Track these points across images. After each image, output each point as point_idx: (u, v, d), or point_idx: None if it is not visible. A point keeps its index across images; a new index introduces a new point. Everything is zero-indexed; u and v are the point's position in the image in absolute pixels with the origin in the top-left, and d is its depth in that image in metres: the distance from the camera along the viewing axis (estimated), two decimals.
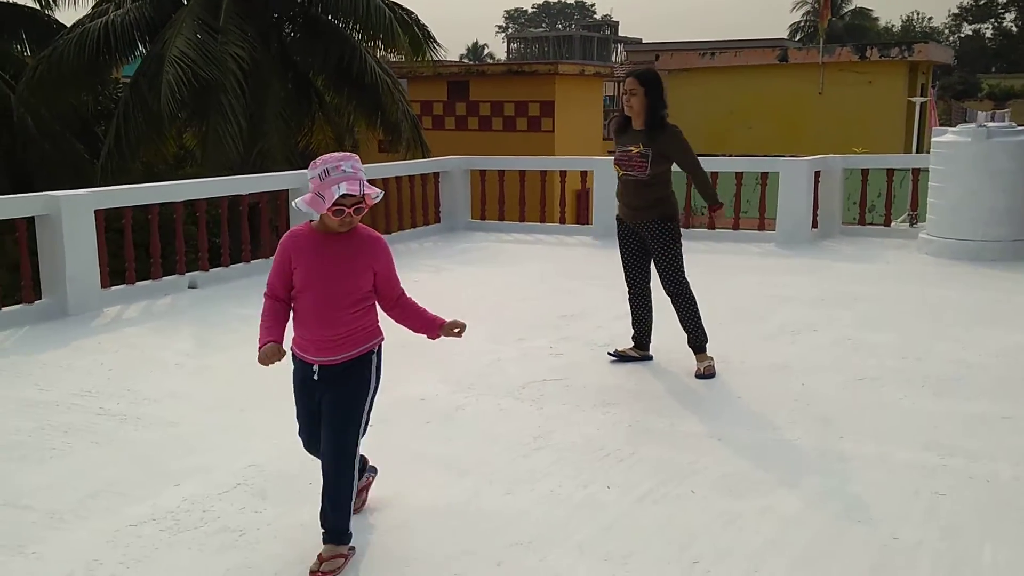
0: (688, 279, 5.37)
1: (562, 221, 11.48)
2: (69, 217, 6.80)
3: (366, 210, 3.02)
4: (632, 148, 5.17)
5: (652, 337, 5.61)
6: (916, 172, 9.90)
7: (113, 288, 7.35)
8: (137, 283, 7.58)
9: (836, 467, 3.94)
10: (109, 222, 7.51)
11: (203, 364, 5.70)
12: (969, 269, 8.15)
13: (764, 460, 4.03)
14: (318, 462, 3.28)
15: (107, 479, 3.92)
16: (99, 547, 3.31)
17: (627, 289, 5.55)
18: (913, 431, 4.32)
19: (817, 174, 9.90)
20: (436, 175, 11.20)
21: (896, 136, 14.69)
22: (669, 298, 5.36)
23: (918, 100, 14.35)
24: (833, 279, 7.92)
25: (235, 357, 5.84)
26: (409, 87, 20.18)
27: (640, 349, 5.59)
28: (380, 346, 3.25)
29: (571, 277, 8.32)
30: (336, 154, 2.98)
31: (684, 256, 5.37)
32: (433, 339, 3.38)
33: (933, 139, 8.99)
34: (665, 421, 4.55)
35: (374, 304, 3.20)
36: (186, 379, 5.39)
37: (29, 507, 3.66)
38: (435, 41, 16.08)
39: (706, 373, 5.20)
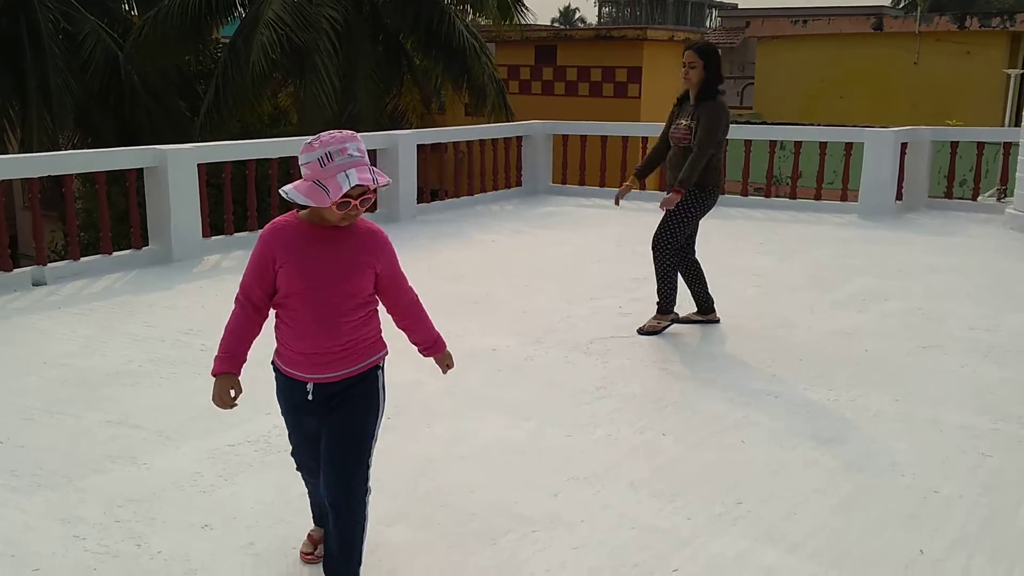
0: (673, 252, 5.39)
1: (642, 188, 11.55)
2: (175, 170, 7.30)
3: (372, 201, 2.49)
4: (683, 122, 5.24)
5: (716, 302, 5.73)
6: (1007, 146, 9.66)
7: (213, 238, 7.86)
8: (235, 234, 8.07)
9: (887, 426, 4.07)
10: (209, 178, 7.99)
11: None
12: None
13: (817, 418, 4.19)
14: (398, 389, 3.58)
15: (207, 406, 4.26)
16: (201, 462, 3.71)
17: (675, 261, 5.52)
18: (969, 397, 4.41)
19: (904, 146, 9.75)
20: (519, 139, 11.42)
21: (993, 109, 14.19)
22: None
23: (1014, 72, 13.78)
24: (912, 251, 7.88)
25: None
26: (496, 51, 20.35)
27: (704, 313, 5.68)
28: (384, 360, 2.76)
29: (646, 242, 8.46)
30: (337, 133, 2.41)
31: (695, 226, 5.46)
32: (426, 356, 2.90)
33: None
34: (724, 378, 4.73)
35: (376, 311, 2.69)
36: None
37: (139, 426, 4.10)
38: (523, 5, 16.23)
39: (648, 329, 5.41)
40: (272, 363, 2.69)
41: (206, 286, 6.73)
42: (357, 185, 2.36)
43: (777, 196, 10.64)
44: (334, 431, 2.63)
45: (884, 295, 6.37)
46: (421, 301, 2.83)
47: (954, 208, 9.82)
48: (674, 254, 5.40)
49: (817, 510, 3.31)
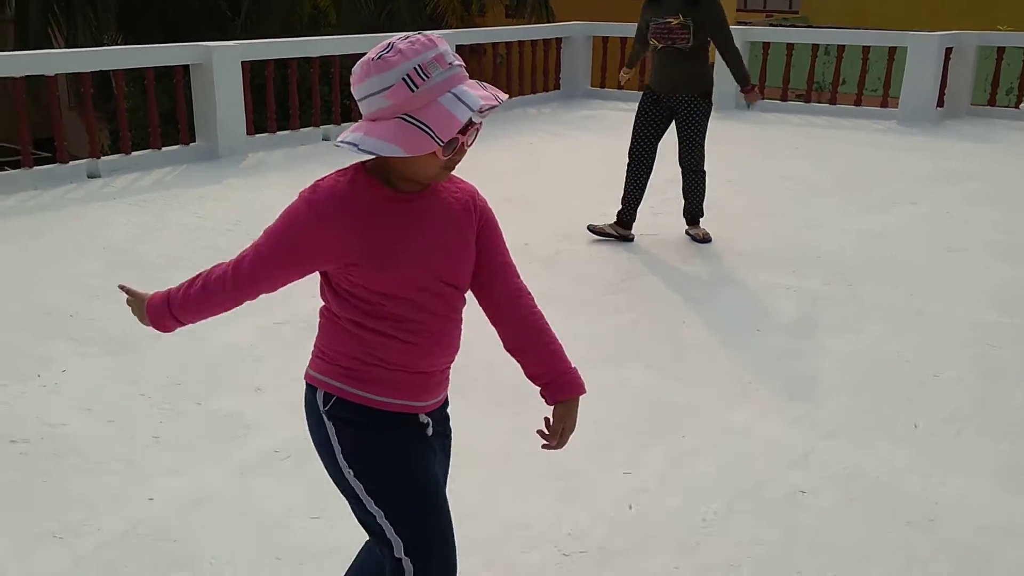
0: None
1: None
2: (220, 66, 7.48)
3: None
4: (671, 20, 5.06)
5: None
6: None
7: (257, 135, 8.09)
8: (278, 132, 8.29)
9: (900, 319, 4.26)
10: (252, 76, 8.16)
11: None
12: None
13: (832, 310, 4.39)
14: None
15: None
16: (250, 337, 4.03)
17: (631, 163, 5.39)
18: (985, 294, 4.55)
19: (948, 51, 9.58)
20: (558, 41, 11.37)
21: None
22: (683, 168, 5.38)
23: None
24: (948, 157, 7.87)
25: None
26: None
27: (623, 227, 5.47)
28: None
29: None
30: (418, 36, 1.52)
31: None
32: (546, 397, 1.93)
33: None
34: (747, 273, 4.92)
35: None
36: None
37: None
38: None
39: (704, 238, 5.41)
40: (336, 397, 1.72)
41: (252, 181, 6.99)
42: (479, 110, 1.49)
43: (818, 102, 10.56)
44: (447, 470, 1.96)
45: (914, 199, 6.45)
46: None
47: (996, 116, 9.69)
48: (703, 162, 5.37)
49: (821, 390, 3.55)
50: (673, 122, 5.33)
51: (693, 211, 5.53)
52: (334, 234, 1.59)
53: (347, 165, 1.64)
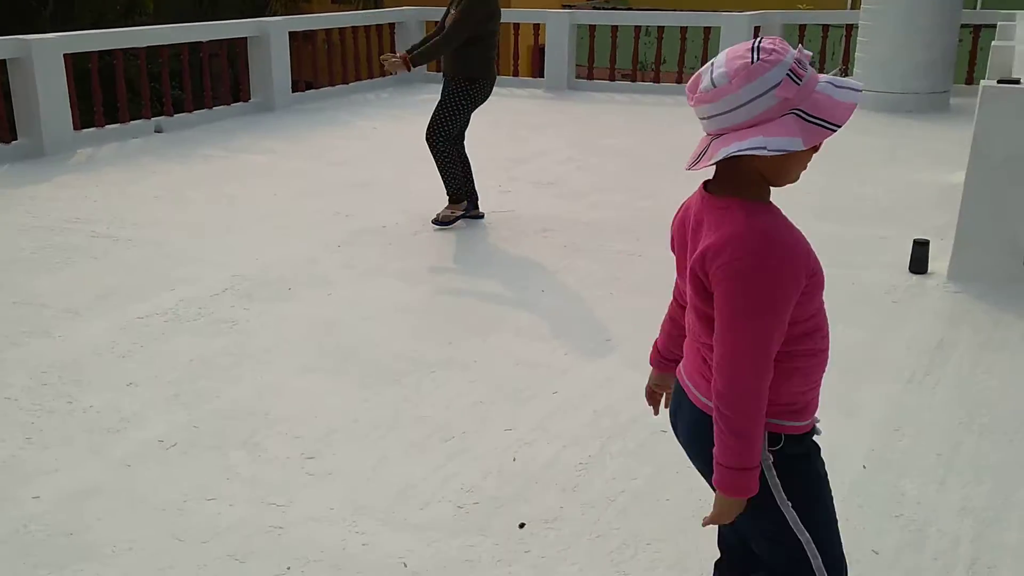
0: (449, 143, 5.43)
1: (515, 74, 11.86)
2: (40, 60, 7.09)
3: None
4: (452, 11, 5.31)
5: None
6: (849, 28, 10.41)
7: (85, 131, 7.72)
8: (106, 126, 7.94)
9: None
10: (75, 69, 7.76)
11: (180, 196, 6.23)
12: (887, 119, 8.82)
13: (673, 269, 4.76)
14: (296, 265, 3.87)
15: (110, 285, 4.53)
16: (114, 333, 3.95)
17: (456, 146, 5.56)
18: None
19: (757, 29, 10.36)
20: (392, 26, 11.42)
21: None
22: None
23: None
24: None
25: (210, 190, 6.39)
26: None
27: (473, 209, 5.66)
28: None
29: (521, 127, 8.85)
30: (773, 37, 1.53)
31: (466, 118, 5.47)
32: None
33: None
34: (595, 243, 5.24)
35: None
36: (166, 208, 5.93)
37: (46, 305, 4.27)
38: None
39: (442, 219, 5.47)
40: (785, 436, 1.65)
41: (85, 178, 6.70)
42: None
43: (644, 81, 11.15)
44: None
45: None
46: None
47: None
48: (448, 144, 5.42)
49: None
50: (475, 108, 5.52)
51: (447, 190, 5.54)
52: (805, 267, 1.54)
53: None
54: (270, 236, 5.35)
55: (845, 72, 8.42)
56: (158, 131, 8.33)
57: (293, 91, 9.83)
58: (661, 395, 2.05)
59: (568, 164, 7.23)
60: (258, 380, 3.54)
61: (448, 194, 5.55)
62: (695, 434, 1.72)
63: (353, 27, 10.99)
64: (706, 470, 1.68)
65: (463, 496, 2.79)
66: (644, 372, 3.58)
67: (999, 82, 4.49)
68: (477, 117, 5.71)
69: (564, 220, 5.69)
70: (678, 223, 1.73)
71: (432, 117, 5.46)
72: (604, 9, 16.01)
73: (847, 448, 3.04)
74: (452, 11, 5.33)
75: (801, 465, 1.68)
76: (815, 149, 1.53)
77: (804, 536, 1.69)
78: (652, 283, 4.58)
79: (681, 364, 1.81)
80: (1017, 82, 4.46)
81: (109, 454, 3.01)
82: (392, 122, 9.09)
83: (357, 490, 2.82)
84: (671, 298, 1.96)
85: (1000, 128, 4.39)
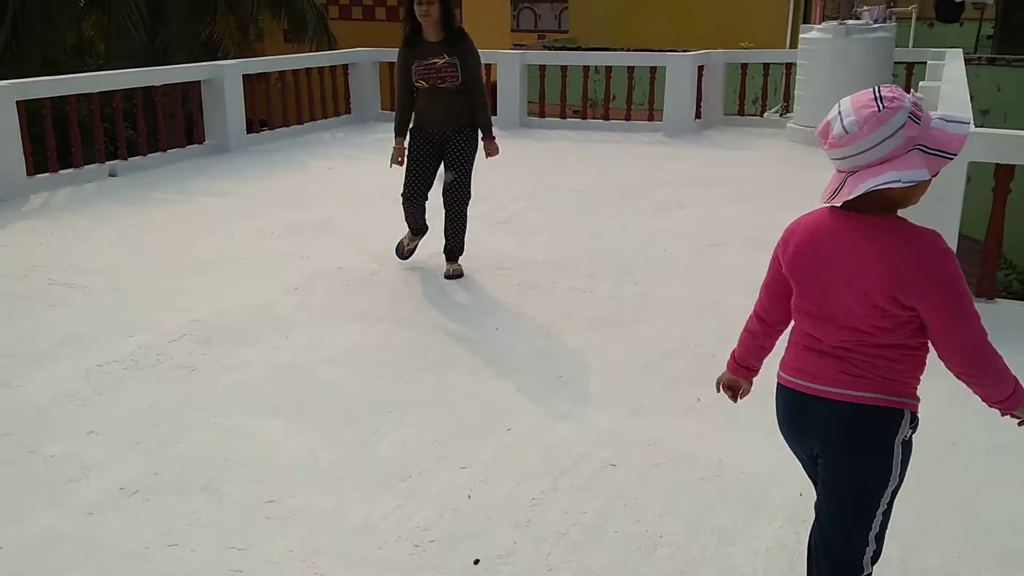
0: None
1: (494, 114, 12.06)
2: None
3: None
4: (436, 60, 5.15)
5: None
6: (788, 66, 10.81)
7: (38, 176, 7.73)
8: (60, 171, 7.95)
9: (680, 310, 4.88)
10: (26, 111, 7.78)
11: (136, 241, 6.27)
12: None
13: (623, 306, 4.94)
14: (253, 309, 3.97)
15: (68, 333, 4.57)
16: (74, 381, 4.00)
17: (409, 197, 5.43)
18: (744, 282, 5.24)
19: (701, 68, 10.71)
20: (345, 67, 11.58)
21: (780, 32, 15.62)
22: (448, 204, 5.37)
23: None
24: (707, 164, 8.84)
25: (166, 234, 6.45)
26: None
27: (420, 235, 5.61)
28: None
29: (479, 165, 9.01)
30: (890, 85, 1.91)
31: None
32: None
33: (801, 36, 9.87)
34: (548, 280, 5.40)
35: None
36: (123, 254, 5.98)
37: (7, 355, 4.29)
38: None
39: (455, 274, 5.41)
40: (911, 411, 2.02)
41: (39, 223, 6.72)
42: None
43: (594, 118, 11.43)
44: None
45: (682, 203, 7.25)
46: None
47: (745, 124, 10.92)
48: (469, 199, 5.43)
49: (622, 376, 4.05)
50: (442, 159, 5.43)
51: (457, 248, 5.48)
52: None
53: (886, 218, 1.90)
54: (227, 280, 5.42)
55: (787, 108, 8.82)
56: (112, 175, 8.36)
57: (248, 131, 9.91)
58: (736, 390, 2.47)
59: (521, 202, 7.41)
60: (218, 425, 3.61)
61: (452, 252, 5.47)
62: (849, 424, 1.97)
63: (307, 68, 11.12)
64: (860, 466, 2.00)
65: (420, 534, 2.89)
66: (594, 406, 3.74)
67: None
68: None
69: (518, 258, 5.85)
70: (806, 246, 2.00)
71: (460, 175, 5.32)
72: (554, 49, 16.37)
73: (783, 475, 3.21)
74: (441, 61, 5.15)
75: (909, 449, 2.03)
76: (935, 175, 1.83)
77: (878, 524, 2.03)
78: (601, 319, 4.75)
79: (800, 377, 2.06)
80: None
81: (71, 503, 3.06)
82: (348, 162, 9.22)
83: (316, 532, 2.92)
84: (752, 315, 2.31)
85: None
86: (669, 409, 3.74)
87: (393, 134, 5.44)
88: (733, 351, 2.40)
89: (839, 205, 1.91)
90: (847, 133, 1.83)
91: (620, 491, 3.14)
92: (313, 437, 3.52)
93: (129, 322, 4.72)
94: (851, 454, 2.00)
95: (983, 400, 1.97)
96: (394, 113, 5.49)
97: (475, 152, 5.42)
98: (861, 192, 1.81)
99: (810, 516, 2.95)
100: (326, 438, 3.50)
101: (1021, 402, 1.95)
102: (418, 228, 5.59)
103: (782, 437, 2.20)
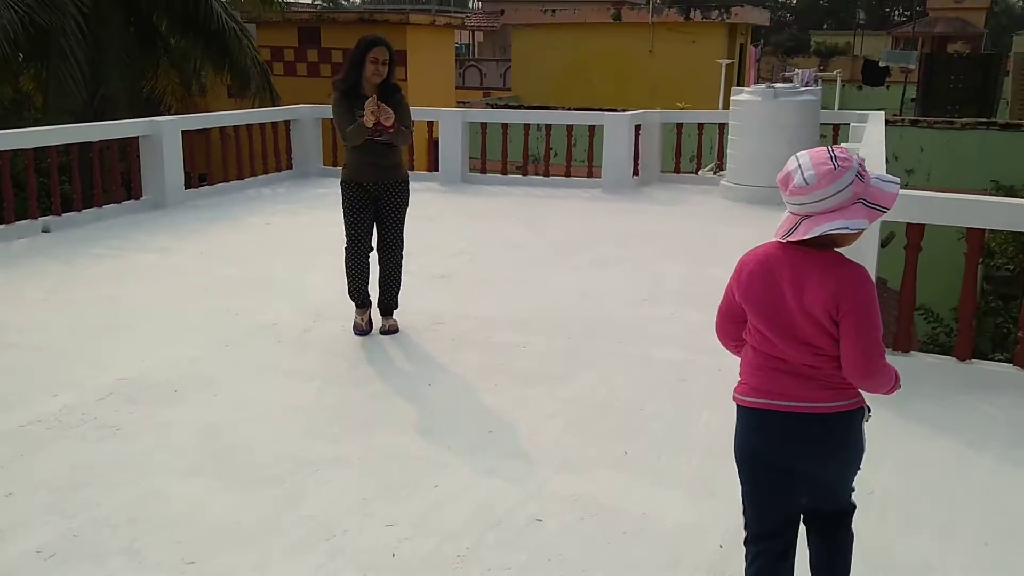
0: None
1: (411, 168, 12.19)
2: None
3: None
4: (381, 104, 5.13)
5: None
6: (722, 127, 11.17)
7: None
8: None
9: (610, 363, 4.96)
10: None
11: (66, 298, 6.18)
12: (757, 212, 9.44)
13: (555, 360, 5.01)
14: (182, 366, 3.93)
15: None
16: None
17: (354, 252, 5.48)
18: (676, 337, 5.40)
19: (638, 127, 11.01)
20: (287, 123, 11.65)
21: (714, 93, 16.19)
22: (383, 259, 5.46)
23: (723, 62, 15.90)
24: (644, 220, 9.05)
25: (97, 291, 6.37)
26: (258, 33, 20.06)
27: (367, 308, 5.58)
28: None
29: (416, 220, 9.08)
30: (840, 146, 2.45)
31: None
32: None
33: (732, 97, 10.23)
34: (482, 335, 5.45)
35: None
36: (52, 311, 5.88)
37: None
38: None
39: (390, 329, 5.46)
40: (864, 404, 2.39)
41: None
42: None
43: (535, 174, 11.63)
44: None
45: (618, 259, 7.40)
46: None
47: (681, 181, 11.22)
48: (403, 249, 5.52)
49: (551, 431, 4.10)
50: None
51: (392, 301, 5.54)
52: None
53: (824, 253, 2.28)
54: (157, 337, 5.37)
55: (720, 166, 9.08)
56: (45, 231, 8.24)
57: (187, 186, 9.87)
58: None
59: (460, 256, 7.49)
60: (140, 485, 3.56)
61: (388, 306, 5.52)
62: (829, 433, 2.33)
63: (248, 124, 11.16)
64: (843, 458, 2.40)
65: None
66: (522, 461, 3.78)
67: None
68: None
69: (453, 313, 5.90)
70: (759, 271, 2.34)
71: (396, 228, 5.42)
72: (497, 107, 16.68)
73: (706, 527, 3.27)
74: (381, 104, 5.08)
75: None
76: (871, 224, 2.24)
77: (854, 485, 2.51)
78: (534, 374, 4.80)
79: (779, 399, 2.34)
80: None
81: None
82: (287, 217, 9.22)
83: None
84: (725, 340, 2.73)
85: None
86: (596, 463, 3.79)
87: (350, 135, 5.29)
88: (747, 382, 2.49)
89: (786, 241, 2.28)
90: (807, 184, 2.18)
91: (545, 546, 3.16)
92: (236, 497, 3.48)
93: (54, 381, 4.64)
94: (842, 450, 2.38)
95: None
96: (345, 153, 5.49)
97: (407, 206, 5.51)
98: (815, 234, 2.19)
99: (731, 569, 3.02)
100: (249, 498, 3.46)
101: (896, 389, 2.36)
102: (363, 301, 5.58)
103: (742, 460, 2.45)
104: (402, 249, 5.54)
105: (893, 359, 4.76)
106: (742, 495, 2.48)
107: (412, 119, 5.51)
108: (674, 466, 3.78)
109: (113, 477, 3.62)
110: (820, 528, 2.56)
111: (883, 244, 7.09)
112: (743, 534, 2.52)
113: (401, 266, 5.56)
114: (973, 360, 4.81)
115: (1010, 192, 13.66)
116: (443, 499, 3.48)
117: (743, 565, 3.10)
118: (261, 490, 3.53)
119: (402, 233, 5.52)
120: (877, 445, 3.92)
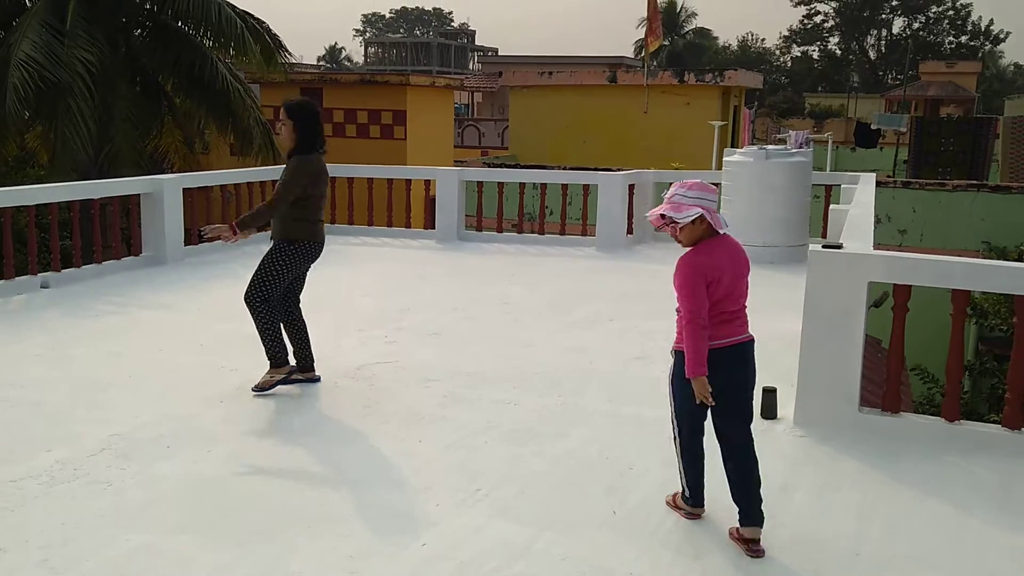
0: (268, 305, 5.37)
1: (408, 226, 12.37)
2: None
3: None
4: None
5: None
6: (715, 186, 11.33)
7: None
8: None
9: (601, 422, 5.00)
10: None
11: (64, 354, 6.23)
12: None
13: (547, 419, 5.05)
14: (177, 421, 3.97)
15: None
16: None
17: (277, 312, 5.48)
18: (664, 395, 5.42)
19: (631, 187, 11.19)
20: None
21: (710, 152, 16.46)
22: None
23: (716, 124, 16.19)
24: (636, 279, 9.15)
25: (94, 346, 6.42)
26: (261, 93, 20.47)
27: (304, 371, 5.59)
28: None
29: (412, 277, 9.21)
30: (694, 182, 3.71)
31: (291, 279, 5.49)
32: None
33: (724, 158, 10.41)
34: (474, 392, 5.49)
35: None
36: (48, 366, 5.93)
37: None
38: (286, 50, 16.60)
39: (261, 385, 5.35)
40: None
41: None
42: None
43: (530, 232, 11.77)
44: None
45: (609, 317, 7.47)
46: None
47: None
48: (270, 307, 5.38)
49: (540, 488, 4.12)
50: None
51: (267, 353, 5.43)
52: None
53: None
54: (153, 392, 5.41)
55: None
56: (44, 287, 8.32)
57: (186, 242, 9.99)
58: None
59: (454, 314, 7.56)
60: (131, 542, 3.57)
61: (268, 358, 5.42)
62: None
63: (249, 182, 11.33)
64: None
65: None
66: (511, 519, 3.79)
67: (824, 247, 5.08)
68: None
69: (446, 370, 5.95)
70: (729, 261, 3.69)
71: (251, 279, 5.39)
72: (493, 166, 16.93)
73: None
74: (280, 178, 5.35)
75: None
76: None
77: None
78: (524, 432, 4.84)
79: (741, 334, 3.69)
80: (840, 247, 5.05)
81: None
82: None
83: None
84: (700, 321, 3.60)
85: (826, 288, 4.94)
86: (584, 522, 3.80)
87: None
88: (698, 359, 3.53)
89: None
90: (679, 200, 3.71)
91: None
92: (225, 553, 3.50)
93: (48, 436, 4.67)
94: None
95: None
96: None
97: (280, 262, 5.39)
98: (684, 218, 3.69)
99: None
100: (238, 554, 3.48)
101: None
102: (300, 358, 5.58)
103: (720, 386, 3.54)
104: (253, 303, 5.37)
105: (882, 420, 4.81)
106: (683, 415, 3.72)
107: (286, 190, 5.36)
108: (663, 525, 3.80)
109: (103, 533, 3.64)
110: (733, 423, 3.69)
111: (876, 304, 7.18)
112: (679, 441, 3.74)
113: (259, 324, 5.40)
114: (963, 421, 4.85)
115: (1002, 253, 13.81)
116: (430, 557, 3.49)
117: None
118: (251, 546, 3.54)
119: (257, 286, 5.36)
120: (865, 506, 3.96)
